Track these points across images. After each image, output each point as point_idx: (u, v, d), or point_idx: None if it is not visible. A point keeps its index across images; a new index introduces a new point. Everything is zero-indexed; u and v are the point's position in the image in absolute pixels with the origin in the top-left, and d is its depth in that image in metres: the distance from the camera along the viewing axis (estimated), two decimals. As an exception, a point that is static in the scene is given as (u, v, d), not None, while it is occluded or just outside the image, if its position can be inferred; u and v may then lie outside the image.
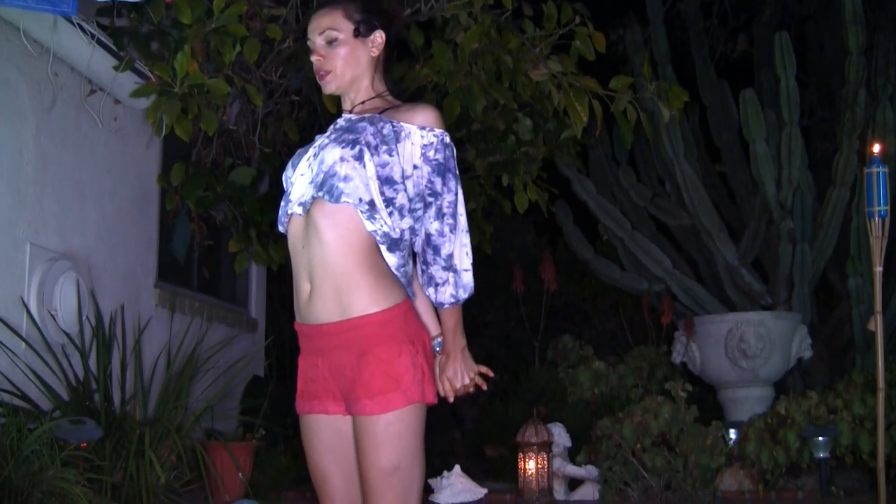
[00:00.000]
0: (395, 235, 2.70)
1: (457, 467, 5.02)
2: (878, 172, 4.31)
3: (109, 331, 4.81)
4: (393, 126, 2.73)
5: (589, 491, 5.14)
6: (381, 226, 2.67)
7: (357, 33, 2.82)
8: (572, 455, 5.43)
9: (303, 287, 2.74)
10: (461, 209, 2.76)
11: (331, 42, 2.82)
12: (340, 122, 2.87)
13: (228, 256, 6.31)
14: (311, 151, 2.80)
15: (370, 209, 2.66)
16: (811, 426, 5.20)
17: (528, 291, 8.03)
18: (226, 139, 5.87)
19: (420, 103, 2.84)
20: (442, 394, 2.90)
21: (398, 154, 2.71)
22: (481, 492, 4.98)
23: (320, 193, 2.67)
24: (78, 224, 4.97)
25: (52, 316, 4.58)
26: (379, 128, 2.72)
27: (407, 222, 2.73)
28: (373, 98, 2.89)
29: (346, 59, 2.82)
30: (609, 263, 8.40)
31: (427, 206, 2.74)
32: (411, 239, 2.78)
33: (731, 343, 6.89)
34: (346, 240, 2.66)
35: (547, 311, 8.10)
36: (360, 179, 2.65)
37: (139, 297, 5.52)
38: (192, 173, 5.58)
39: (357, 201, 2.64)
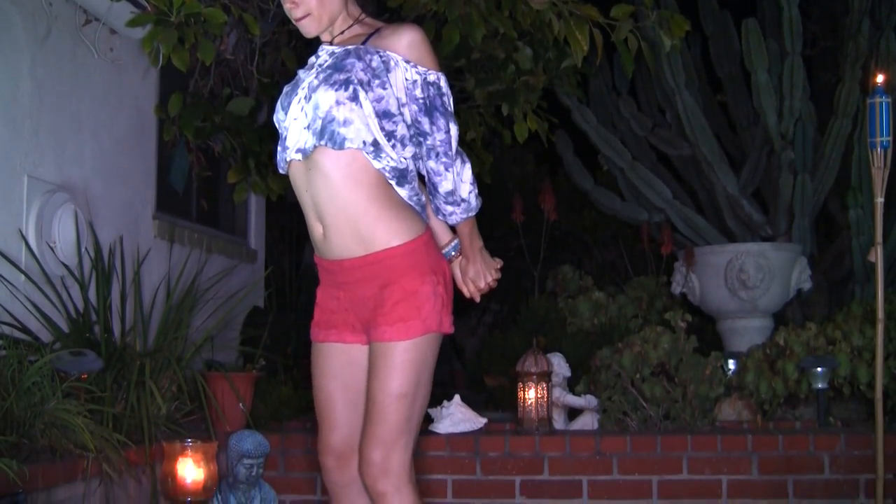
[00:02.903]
0: (402, 166, 2.68)
1: (456, 397, 5.04)
2: (880, 103, 4.27)
3: (108, 262, 4.81)
4: (381, 56, 2.66)
5: (588, 420, 5.17)
6: (388, 161, 2.65)
7: None
8: (571, 385, 5.45)
9: (314, 227, 2.73)
10: (454, 145, 2.71)
11: None
12: (324, 56, 2.77)
13: (227, 187, 6.29)
14: (301, 94, 2.72)
15: (375, 149, 2.63)
16: (810, 357, 5.21)
17: (528, 222, 8.00)
18: (223, 69, 5.82)
19: (401, 25, 2.73)
20: (468, 296, 2.93)
21: (391, 85, 2.65)
22: (481, 421, 5.00)
23: (322, 141, 2.62)
24: (75, 156, 4.94)
25: (51, 248, 4.57)
26: (367, 61, 2.65)
27: (409, 150, 2.70)
28: (351, 26, 2.79)
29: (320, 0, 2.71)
30: (609, 193, 8.37)
31: (423, 138, 2.71)
32: (416, 167, 2.76)
33: (731, 274, 6.89)
34: (354, 178, 2.64)
35: (546, 241, 8.08)
36: (360, 121, 2.60)
37: (138, 229, 5.51)
38: (190, 104, 5.53)
39: (361, 144, 2.61)
